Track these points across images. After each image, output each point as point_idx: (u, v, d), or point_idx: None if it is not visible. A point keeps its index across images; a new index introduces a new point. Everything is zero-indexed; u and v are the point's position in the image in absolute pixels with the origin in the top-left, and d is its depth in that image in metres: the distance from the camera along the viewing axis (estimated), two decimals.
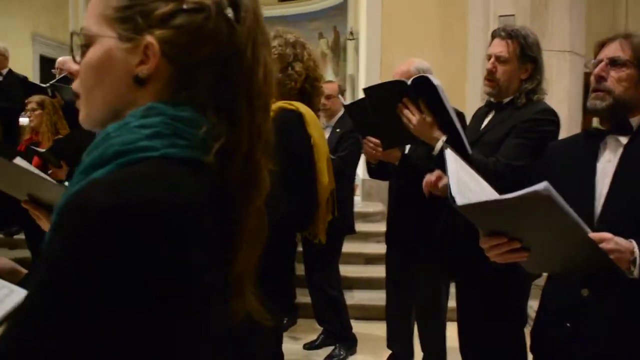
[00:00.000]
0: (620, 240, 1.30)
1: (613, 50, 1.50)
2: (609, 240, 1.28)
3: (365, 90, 2.19)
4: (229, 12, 0.76)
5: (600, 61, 1.52)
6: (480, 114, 2.33)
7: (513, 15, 4.41)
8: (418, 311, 2.88)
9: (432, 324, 2.82)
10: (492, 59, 2.15)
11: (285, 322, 3.93)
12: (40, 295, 0.61)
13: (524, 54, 2.11)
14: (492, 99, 2.22)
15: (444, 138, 2.02)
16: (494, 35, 2.20)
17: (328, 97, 3.50)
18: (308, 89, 2.02)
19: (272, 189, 1.82)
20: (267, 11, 11.89)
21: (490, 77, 2.16)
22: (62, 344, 0.59)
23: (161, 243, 0.62)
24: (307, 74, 1.99)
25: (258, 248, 0.80)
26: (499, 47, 2.13)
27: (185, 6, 0.73)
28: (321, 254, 3.42)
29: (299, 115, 1.94)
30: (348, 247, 4.48)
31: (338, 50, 11.63)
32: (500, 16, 4.39)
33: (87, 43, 0.76)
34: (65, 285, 0.60)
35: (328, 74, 11.91)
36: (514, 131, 2.05)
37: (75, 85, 0.79)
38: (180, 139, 0.70)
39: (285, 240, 1.97)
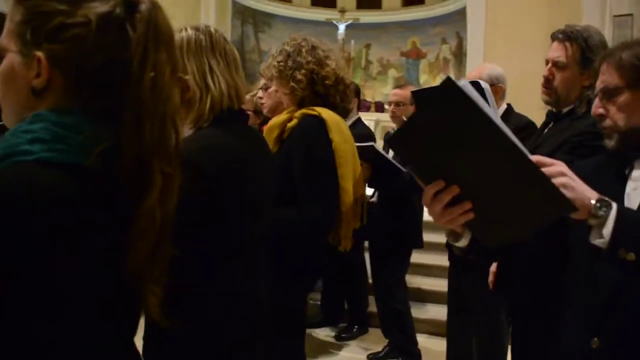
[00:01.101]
0: (574, 176, 1.06)
1: (603, 78, 1.27)
2: (552, 164, 1.05)
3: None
4: (124, 23, 0.79)
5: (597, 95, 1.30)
6: (542, 126, 2.13)
7: (631, 15, 3.96)
8: (476, 340, 2.68)
9: (490, 354, 2.62)
10: (549, 65, 1.95)
11: (355, 330, 3.89)
12: None
13: (585, 57, 1.88)
14: (552, 109, 2.02)
15: None
16: (553, 37, 1.99)
17: (397, 103, 3.39)
18: (321, 90, 1.99)
19: (291, 193, 1.83)
20: (390, 16, 11.96)
21: (547, 84, 1.96)
22: None
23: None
24: (311, 76, 1.96)
25: (149, 249, 0.81)
26: (557, 52, 1.93)
27: (70, 20, 0.77)
28: (387, 267, 3.34)
29: (320, 121, 1.93)
30: (432, 259, 4.33)
31: (460, 56, 11.25)
32: (616, 16, 3.97)
33: (1, 55, 0.82)
34: None
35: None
36: (565, 146, 1.84)
37: None
38: (60, 143, 0.74)
39: (307, 244, 1.95)
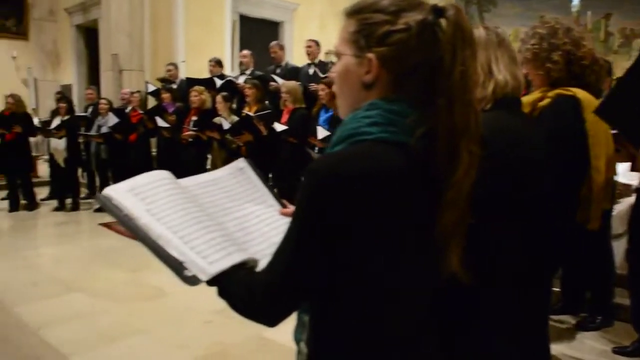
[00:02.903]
0: None
1: None
2: None
3: None
4: (434, 27, 0.97)
5: None
6: None
7: None
8: None
9: None
10: None
11: (598, 320, 3.70)
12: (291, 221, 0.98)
13: None
14: None
15: None
16: None
17: None
18: (577, 70, 2.02)
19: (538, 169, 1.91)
20: None
21: None
22: (292, 249, 0.95)
23: (354, 199, 0.90)
24: (568, 58, 2.00)
25: (456, 215, 0.99)
26: None
27: (394, 28, 0.97)
28: None
29: (575, 100, 1.95)
30: None
31: None
32: None
33: (337, 58, 1.07)
34: (296, 215, 0.96)
35: None
36: None
37: (334, 88, 1.12)
38: (392, 126, 0.96)
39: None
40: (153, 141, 7.58)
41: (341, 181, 0.89)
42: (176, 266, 0.99)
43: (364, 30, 0.99)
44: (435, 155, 0.95)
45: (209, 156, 6.73)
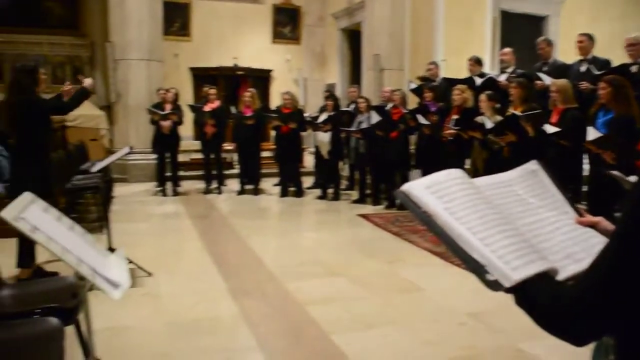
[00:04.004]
0: None
1: None
2: None
3: None
4: None
5: None
6: None
7: None
8: None
9: None
10: None
11: None
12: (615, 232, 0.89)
13: None
14: None
15: None
16: None
17: None
18: None
19: None
20: None
21: None
22: (613, 264, 0.85)
23: None
24: None
25: None
26: None
27: None
28: None
29: None
30: None
31: None
32: None
33: None
34: (622, 226, 0.86)
35: None
36: None
37: None
38: None
39: None
40: (411, 138, 7.75)
41: None
42: (477, 269, 0.96)
43: None
44: None
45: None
